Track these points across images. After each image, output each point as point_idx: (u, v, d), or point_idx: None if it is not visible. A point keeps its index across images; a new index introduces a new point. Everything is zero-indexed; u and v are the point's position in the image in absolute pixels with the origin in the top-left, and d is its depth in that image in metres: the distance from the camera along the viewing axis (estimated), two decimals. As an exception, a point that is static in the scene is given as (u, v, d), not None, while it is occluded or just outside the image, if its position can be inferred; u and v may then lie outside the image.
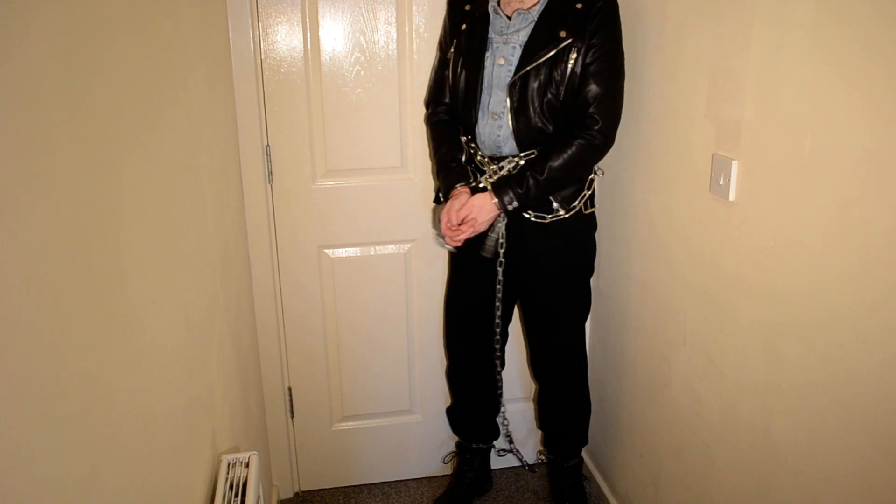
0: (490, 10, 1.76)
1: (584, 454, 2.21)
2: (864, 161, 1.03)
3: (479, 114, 1.77)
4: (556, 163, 1.69)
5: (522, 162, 1.74)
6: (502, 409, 2.13)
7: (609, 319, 2.06)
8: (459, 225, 1.75)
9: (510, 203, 1.71)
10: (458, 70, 1.79)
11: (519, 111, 1.71)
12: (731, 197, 1.35)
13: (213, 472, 1.22)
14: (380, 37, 1.96)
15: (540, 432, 2.30)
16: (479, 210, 1.72)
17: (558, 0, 1.69)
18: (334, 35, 1.94)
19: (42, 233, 0.58)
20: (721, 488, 1.49)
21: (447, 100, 1.87)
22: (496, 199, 1.71)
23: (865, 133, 1.02)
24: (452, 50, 1.81)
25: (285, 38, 1.92)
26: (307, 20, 1.92)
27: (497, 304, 1.91)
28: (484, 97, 1.76)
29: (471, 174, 1.81)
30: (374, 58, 1.97)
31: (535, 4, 1.71)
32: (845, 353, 1.09)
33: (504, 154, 1.76)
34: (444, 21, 1.89)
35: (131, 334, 0.81)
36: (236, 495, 1.15)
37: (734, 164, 1.34)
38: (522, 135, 1.72)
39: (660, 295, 1.73)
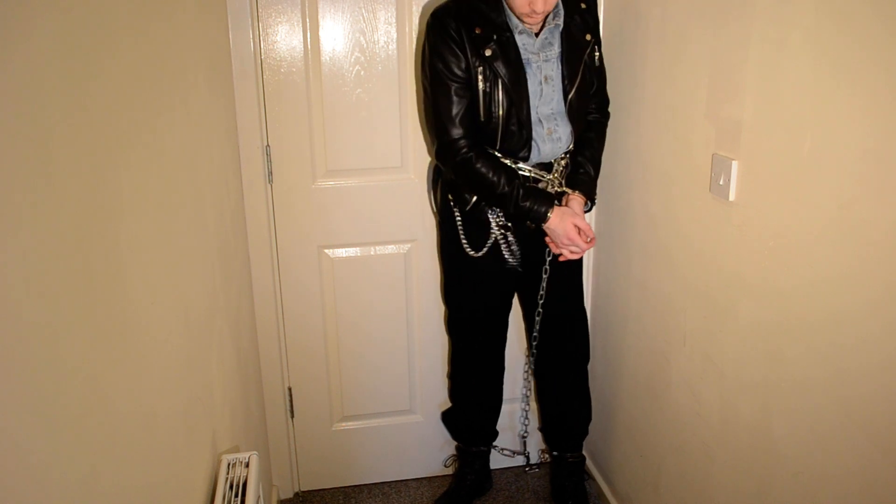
0: (515, 30, 1.67)
1: (583, 454, 2.20)
2: (864, 161, 1.03)
3: (534, 133, 1.73)
4: (598, 151, 1.84)
5: (563, 160, 1.80)
6: (525, 408, 2.16)
7: (609, 319, 2.06)
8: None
9: (594, 199, 1.81)
10: (499, 96, 1.68)
11: (577, 119, 1.77)
12: (731, 197, 1.35)
13: (213, 472, 1.22)
14: (380, 37, 1.96)
15: (540, 432, 2.30)
16: (583, 217, 1.76)
17: (566, 2, 1.71)
18: (334, 35, 1.94)
19: (42, 233, 0.58)
20: (721, 488, 1.49)
21: (466, 131, 1.70)
22: (585, 200, 1.78)
23: (865, 133, 1.02)
24: (481, 77, 1.67)
25: (285, 38, 1.92)
26: (307, 20, 1.92)
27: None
28: (534, 115, 1.72)
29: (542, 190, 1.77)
30: (374, 58, 1.97)
31: (549, 13, 1.68)
32: (845, 352, 1.09)
33: (553, 159, 1.79)
34: (439, 51, 1.67)
35: (131, 334, 0.81)
36: (236, 495, 1.15)
37: (734, 164, 1.34)
38: (577, 136, 1.81)
39: (660, 295, 1.73)
